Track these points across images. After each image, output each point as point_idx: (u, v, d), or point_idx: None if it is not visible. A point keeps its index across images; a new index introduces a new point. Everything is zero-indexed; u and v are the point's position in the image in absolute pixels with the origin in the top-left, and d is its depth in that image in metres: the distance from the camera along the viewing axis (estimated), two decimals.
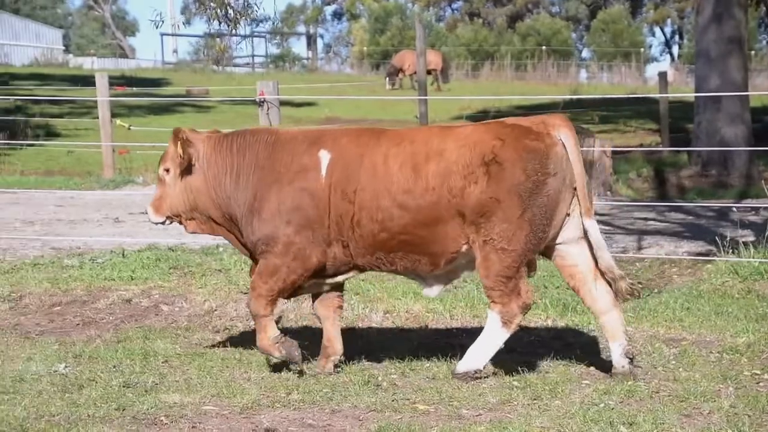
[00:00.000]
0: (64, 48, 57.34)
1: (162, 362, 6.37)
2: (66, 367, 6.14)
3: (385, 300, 7.75)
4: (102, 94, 17.09)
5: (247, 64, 52.52)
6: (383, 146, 5.75)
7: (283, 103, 8.78)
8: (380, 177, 5.70)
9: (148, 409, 5.36)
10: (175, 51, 59.00)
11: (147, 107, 29.40)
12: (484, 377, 5.75)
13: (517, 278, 5.60)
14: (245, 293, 8.12)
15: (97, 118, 18.10)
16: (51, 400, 5.48)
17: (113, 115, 18.07)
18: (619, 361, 5.83)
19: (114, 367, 6.21)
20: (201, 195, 6.01)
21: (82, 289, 8.26)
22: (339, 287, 6.08)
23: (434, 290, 5.93)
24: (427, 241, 5.70)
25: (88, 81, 25.79)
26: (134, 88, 24.21)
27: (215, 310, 7.82)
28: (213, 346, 6.84)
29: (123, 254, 9.27)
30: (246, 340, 7.02)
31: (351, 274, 5.95)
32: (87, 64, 50.90)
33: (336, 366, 6.04)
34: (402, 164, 5.70)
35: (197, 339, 7.09)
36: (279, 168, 5.82)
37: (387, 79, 35.74)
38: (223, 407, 5.47)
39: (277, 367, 6.08)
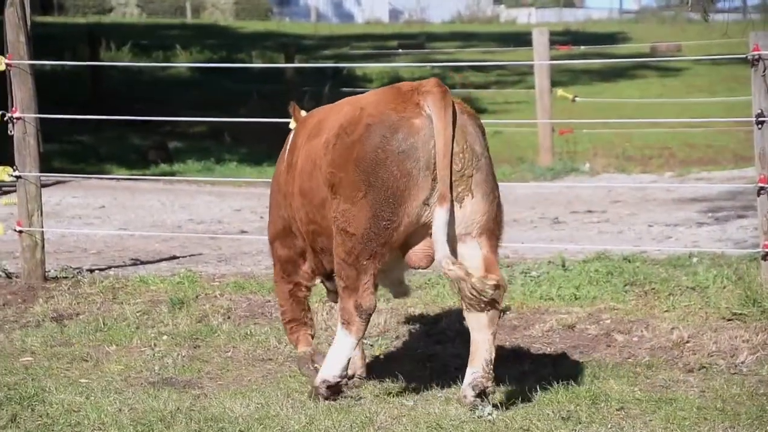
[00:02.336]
0: None
1: (616, 409, 6.42)
2: (492, 411, 6.35)
3: None
4: (540, 57, 17.54)
5: (737, 9, 51.49)
6: (314, 119, 6.80)
7: None
8: (295, 158, 6.75)
9: None
10: None
11: (597, 72, 29.72)
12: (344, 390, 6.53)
13: (358, 271, 6.25)
14: (728, 320, 7.97)
15: (533, 87, 18.61)
16: None
17: (553, 84, 18.48)
18: (464, 388, 6.35)
19: (553, 412, 6.34)
20: None
21: (511, 311, 8.51)
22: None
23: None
24: (326, 228, 6.50)
25: (522, 40, 26.64)
26: (582, 47, 24.64)
27: (687, 342, 7.74)
28: (685, 390, 6.79)
29: (563, 265, 9.45)
30: (736, 382, 6.89)
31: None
32: (522, 17, 52.48)
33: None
34: (308, 138, 6.68)
35: (663, 380, 7.06)
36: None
37: None
38: None
39: None
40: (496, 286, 6.18)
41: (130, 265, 10.43)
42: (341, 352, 6.49)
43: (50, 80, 23.93)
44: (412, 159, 6.12)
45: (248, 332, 8.30)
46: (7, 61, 9.44)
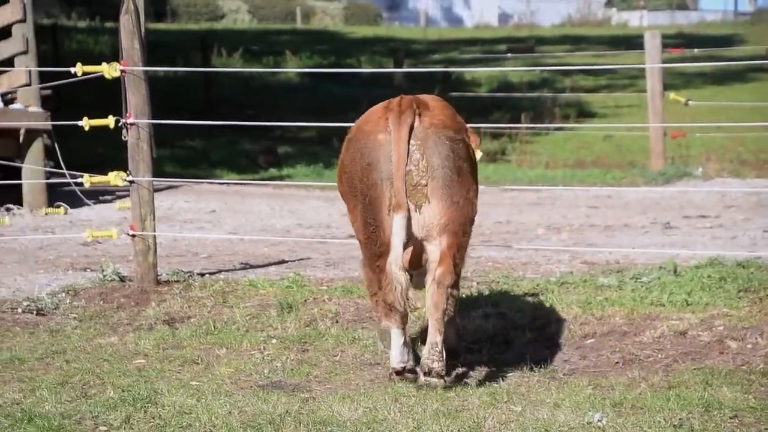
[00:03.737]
0: (606, 1, 59.03)
1: (730, 417, 6.34)
2: (602, 418, 6.32)
3: None
4: (652, 60, 17.43)
5: None
6: None
7: None
8: None
9: None
10: None
11: (710, 75, 29.38)
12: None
13: (374, 272, 6.99)
14: None
15: (644, 91, 18.45)
16: None
17: (666, 87, 18.31)
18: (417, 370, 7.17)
19: (665, 420, 6.29)
20: None
21: (621, 317, 8.46)
22: None
23: None
24: None
25: (633, 43, 26.43)
26: (695, 50, 24.40)
27: None
28: None
29: (675, 271, 9.36)
30: None
31: None
32: (634, 20, 52.11)
33: None
34: None
35: None
36: None
37: None
38: None
39: None
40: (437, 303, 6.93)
41: (239, 269, 10.54)
42: (394, 344, 7.19)
43: (163, 86, 24.29)
44: (377, 170, 6.91)
45: (356, 336, 8.35)
46: (121, 67, 9.59)
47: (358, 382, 7.41)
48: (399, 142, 6.85)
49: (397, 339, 7.15)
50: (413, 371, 7.14)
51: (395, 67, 24.05)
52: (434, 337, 6.94)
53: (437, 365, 6.94)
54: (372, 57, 32.60)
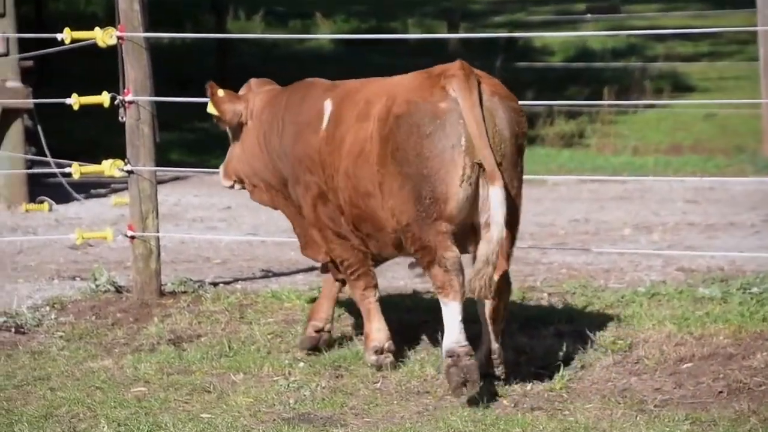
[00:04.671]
0: None
1: None
2: None
3: None
4: (765, 21, 17.37)
5: None
6: (361, 96, 8.00)
7: None
8: (341, 133, 8.02)
9: None
10: None
11: None
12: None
13: (429, 246, 7.35)
14: None
15: (756, 59, 18.38)
16: None
17: None
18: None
19: None
20: (256, 157, 8.48)
21: (726, 336, 8.44)
22: None
23: None
24: (370, 215, 7.83)
25: (741, 0, 26.29)
26: None
27: None
28: None
29: None
30: None
31: None
32: None
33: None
34: (357, 119, 7.89)
35: None
36: None
37: None
38: None
39: None
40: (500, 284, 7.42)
41: (260, 278, 10.59)
42: (450, 322, 7.36)
43: (169, 56, 24.38)
44: (440, 139, 7.28)
45: (400, 359, 8.35)
46: (118, 33, 9.61)
47: (402, 415, 7.43)
48: (473, 108, 7.21)
49: (457, 315, 7.35)
50: (471, 354, 7.38)
51: (449, 31, 24.05)
52: (491, 344, 7.62)
53: (499, 370, 7.65)
54: (421, 20, 32.57)
